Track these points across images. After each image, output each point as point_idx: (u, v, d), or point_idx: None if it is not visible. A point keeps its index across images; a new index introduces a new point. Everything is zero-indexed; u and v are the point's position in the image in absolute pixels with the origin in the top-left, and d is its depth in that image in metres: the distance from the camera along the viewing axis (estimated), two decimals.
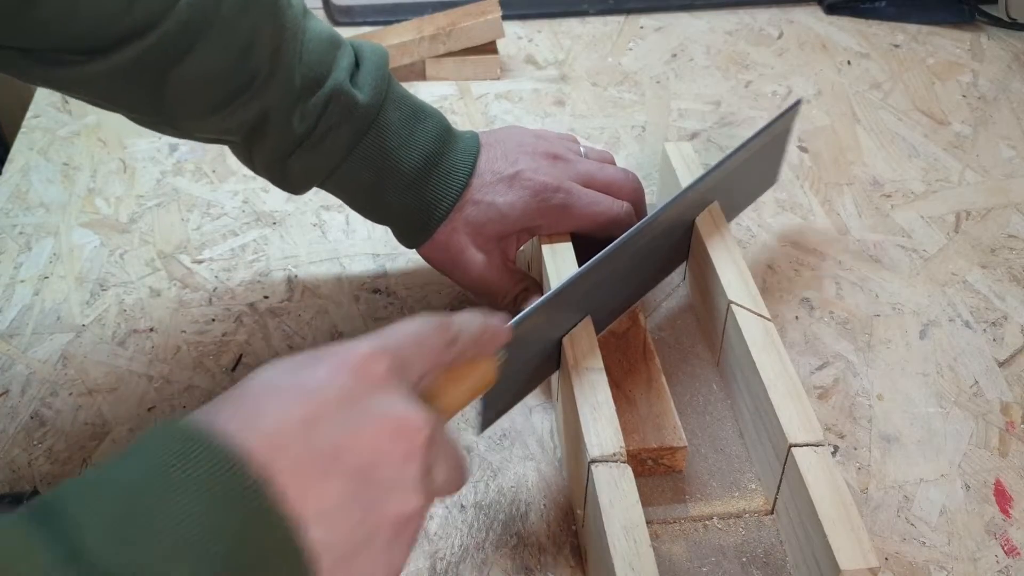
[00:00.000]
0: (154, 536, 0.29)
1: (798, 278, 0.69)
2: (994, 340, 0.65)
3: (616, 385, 0.56)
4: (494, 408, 0.53)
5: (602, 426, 0.49)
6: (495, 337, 0.44)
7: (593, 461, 0.47)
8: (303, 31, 0.53)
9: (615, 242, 0.55)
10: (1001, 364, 0.63)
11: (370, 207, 0.59)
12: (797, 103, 0.67)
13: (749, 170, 0.66)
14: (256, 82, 0.51)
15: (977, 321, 0.66)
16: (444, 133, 0.58)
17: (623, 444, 0.48)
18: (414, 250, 0.61)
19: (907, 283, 0.69)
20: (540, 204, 0.58)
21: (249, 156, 0.56)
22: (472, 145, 0.59)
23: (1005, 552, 0.53)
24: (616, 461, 0.47)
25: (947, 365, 0.63)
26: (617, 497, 0.46)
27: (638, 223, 0.57)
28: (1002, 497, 0.56)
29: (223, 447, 0.31)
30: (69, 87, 0.51)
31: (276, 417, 0.33)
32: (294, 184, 0.57)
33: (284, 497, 0.31)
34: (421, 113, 0.58)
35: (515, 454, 0.57)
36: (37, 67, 0.48)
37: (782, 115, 0.65)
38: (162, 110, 0.52)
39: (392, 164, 0.56)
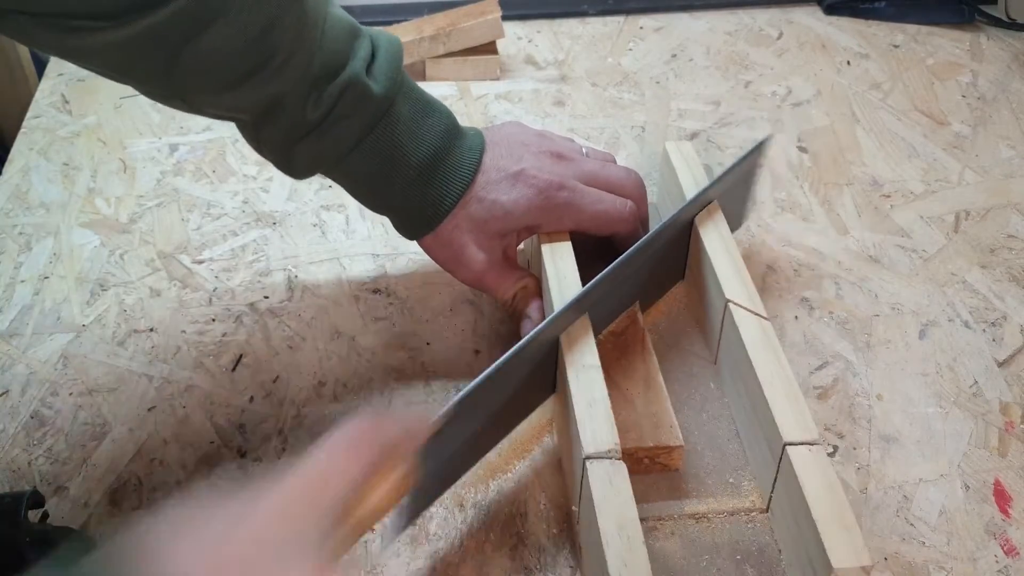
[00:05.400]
0: None
1: (798, 278, 0.69)
2: (993, 340, 0.65)
3: (613, 384, 0.56)
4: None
5: (597, 423, 0.49)
6: (411, 441, 0.44)
7: (588, 457, 0.48)
8: (324, 18, 0.53)
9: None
10: (1000, 364, 0.63)
11: (373, 197, 0.59)
12: (766, 139, 0.66)
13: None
14: (273, 64, 0.51)
15: (976, 321, 0.66)
16: (452, 129, 0.58)
17: (618, 441, 0.48)
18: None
19: (906, 283, 0.69)
20: (544, 202, 0.58)
21: (257, 138, 0.56)
22: (478, 142, 0.59)
23: (1004, 552, 0.53)
24: (611, 457, 0.48)
25: (947, 365, 0.63)
26: (611, 494, 0.46)
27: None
28: (1001, 497, 0.56)
29: None
30: (81, 56, 0.50)
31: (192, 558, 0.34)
32: (299, 169, 0.57)
33: None
34: (430, 108, 0.58)
35: (515, 454, 0.57)
36: (49, 34, 0.48)
37: (749, 154, 0.65)
38: (174, 84, 0.52)
39: (400, 156, 0.56)
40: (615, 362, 0.58)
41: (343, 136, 0.55)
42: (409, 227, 0.60)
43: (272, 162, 0.57)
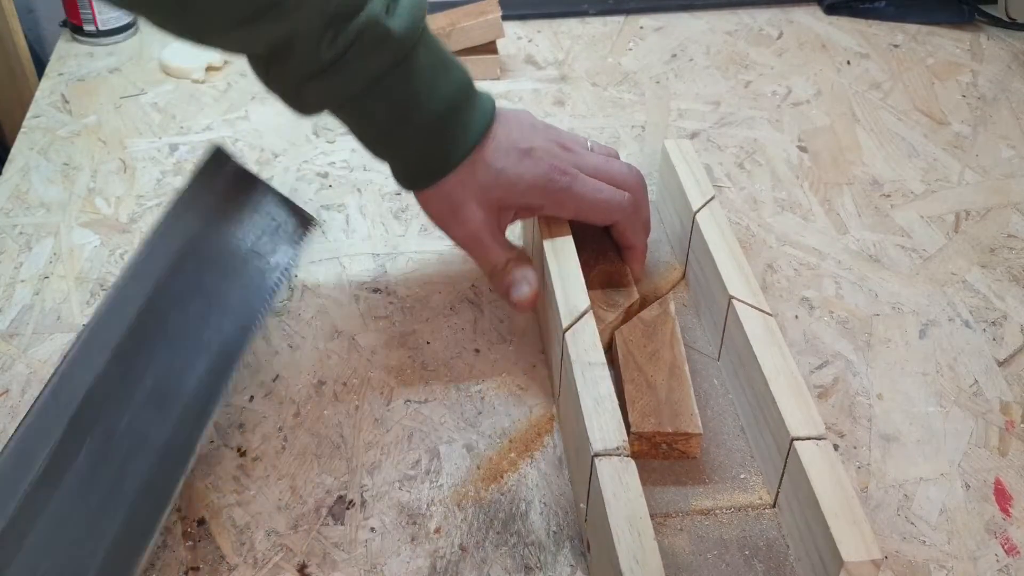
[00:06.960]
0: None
1: (798, 278, 0.69)
2: (994, 340, 0.65)
3: (638, 368, 0.57)
4: None
5: (605, 420, 0.49)
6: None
7: (596, 455, 0.48)
8: None
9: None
10: (1001, 364, 0.63)
11: (379, 142, 0.59)
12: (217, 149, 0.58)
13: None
14: (288, 1, 0.51)
15: (977, 321, 0.66)
16: (468, 88, 0.58)
17: (626, 438, 0.48)
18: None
19: (907, 283, 0.69)
20: (547, 183, 0.58)
21: (266, 72, 0.56)
22: (491, 106, 0.59)
23: (1005, 551, 0.53)
24: (620, 454, 0.48)
25: (947, 365, 0.63)
26: (620, 490, 0.46)
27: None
28: (1002, 496, 0.56)
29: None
30: None
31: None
32: (308, 106, 0.56)
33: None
34: (450, 63, 0.57)
35: (515, 453, 0.57)
36: None
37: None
38: (187, 16, 0.51)
39: (414, 104, 0.56)
40: (642, 348, 0.59)
41: (356, 77, 0.54)
42: (411, 176, 0.59)
43: (278, 97, 0.57)
